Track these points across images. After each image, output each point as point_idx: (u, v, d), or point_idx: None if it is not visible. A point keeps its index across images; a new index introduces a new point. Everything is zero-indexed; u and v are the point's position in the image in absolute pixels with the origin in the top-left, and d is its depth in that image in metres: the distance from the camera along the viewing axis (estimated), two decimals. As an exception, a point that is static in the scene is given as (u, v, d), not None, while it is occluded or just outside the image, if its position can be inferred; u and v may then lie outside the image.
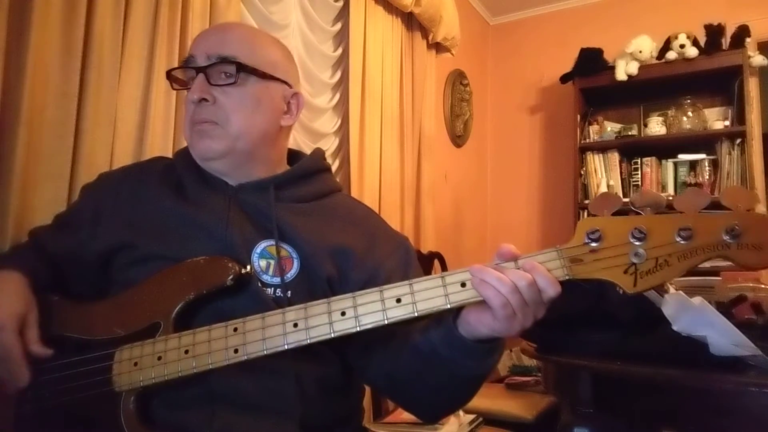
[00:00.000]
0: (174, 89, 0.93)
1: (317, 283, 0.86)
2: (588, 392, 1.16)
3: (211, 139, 0.88)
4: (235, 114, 0.88)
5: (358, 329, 0.72)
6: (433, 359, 0.77)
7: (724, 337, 1.01)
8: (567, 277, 0.69)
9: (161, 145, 1.52)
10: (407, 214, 2.72)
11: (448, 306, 0.71)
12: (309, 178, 0.97)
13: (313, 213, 0.92)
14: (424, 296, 0.71)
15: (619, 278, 0.67)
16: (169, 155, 1.50)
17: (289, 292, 0.84)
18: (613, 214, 0.70)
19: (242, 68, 0.88)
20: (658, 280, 0.66)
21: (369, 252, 0.90)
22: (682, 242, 0.66)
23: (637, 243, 0.67)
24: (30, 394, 0.82)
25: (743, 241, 0.64)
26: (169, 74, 0.93)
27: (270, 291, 0.84)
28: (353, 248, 0.89)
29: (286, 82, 0.95)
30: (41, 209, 1.23)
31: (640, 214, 0.69)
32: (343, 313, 0.72)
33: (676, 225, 0.66)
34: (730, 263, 0.66)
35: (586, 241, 0.69)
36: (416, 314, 0.71)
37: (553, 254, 0.70)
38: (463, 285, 0.70)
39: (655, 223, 0.67)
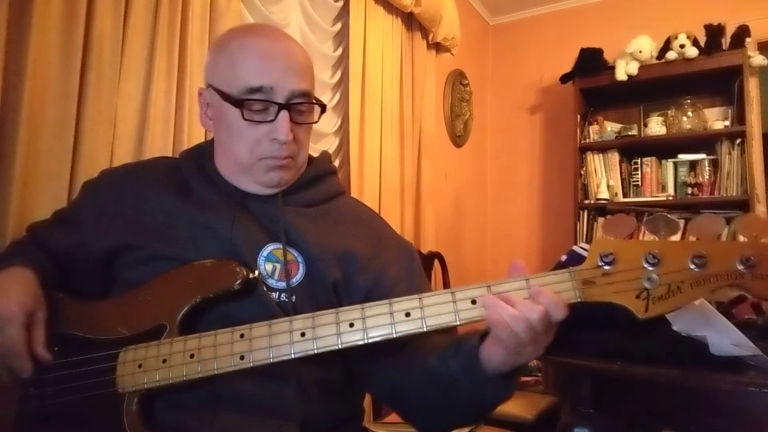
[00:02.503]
0: (245, 119, 0.85)
1: (322, 288, 0.85)
2: (588, 392, 1.16)
3: (285, 172, 0.90)
4: (304, 147, 0.93)
5: (366, 341, 0.71)
6: (452, 388, 0.77)
7: (724, 337, 1.01)
8: (579, 300, 0.68)
9: (161, 145, 1.52)
10: (407, 214, 2.72)
11: (458, 323, 0.70)
12: (316, 182, 0.97)
13: (319, 217, 0.92)
14: (434, 311, 0.71)
15: (631, 303, 0.67)
16: (169, 155, 1.50)
17: (294, 296, 0.84)
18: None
19: (323, 108, 0.91)
20: (671, 306, 0.66)
21: (374, 257, 0.90)
22: (696, 269, 0.65)
23: (650, 268, 0.66)
24: (32, 393, 0.82)
25: (758, 271, 0.63)
26: (242, 102, 0.85)
27: (275, 295, 0.84)
28: (358, 253, 0.89)
29: None
30: (41, 209, 1.23)
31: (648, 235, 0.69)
32: (351, 325, 0.72)
33: (690, 251, 0.65)
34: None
35: (600, 263, 0.68)
36: (425, 329, 0.71)
37: (565, 275, 0.69)
38: (473, 302, 0.70)
39: (669, 248, 0.66)
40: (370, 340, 0.71)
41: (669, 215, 0.69)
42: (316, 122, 0.93)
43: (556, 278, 0.69)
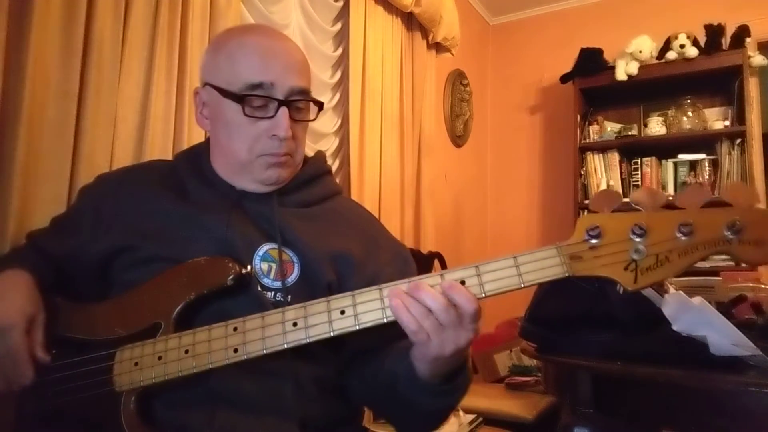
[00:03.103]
0: (246, 115, 0.86)
1: (317, 289, 0.85)
2: (588, 392, 1.16)
3: (283, 170, 0.90)
4: (302, 146, 0.93)
5: (357, 328, 0.72)
6: (396, 392, 0.79)
7: (724, 337, 1.01)
8: (567, 275, 0.68)
9: (161, 145, 1.52)
10: (407, 214, 2.72)
11: None
12: (312, 183, 0.97)
13: (315, 218, 0.93)
14: None
15: (620, 275, 0.67)
16: (169, 155, 1.50)
17: (290, 296, 0.84)
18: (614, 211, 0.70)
19: (321, 106, 0.92)
20: (659, 276, 0.66)
21: (368, 258, 0.91)
22: (683, 238, 0.65)
23: (637, 239, 0.66)
24: (31, 394, 0.82)
25: (744, 237, 0.63)
26: (243, 98, 0.86)
27: (270, 295, 0.84)
28: (353, 254, 0.89)
29: None
30: (42, 209, 1.23)
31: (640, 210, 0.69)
32: (342, 312, 0.72)
33: (676, 221, 0.65)
34: (731, 261, 0.65)
35: (586, 237, 0.68)
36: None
37: (552, 251, 0.69)
38: (462, 282, 0.70)
39: (656, 219, 0.66)
40: (361, 326, 0.71)
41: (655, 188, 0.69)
42: (314, 120, 0.94)
43: (544, 254, 0.69)
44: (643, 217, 0.67)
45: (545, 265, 0.69)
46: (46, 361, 0.81)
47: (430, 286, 0.68)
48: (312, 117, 0.93)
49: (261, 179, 0.90)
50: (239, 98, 0.85)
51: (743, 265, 1.86)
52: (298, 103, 0.89)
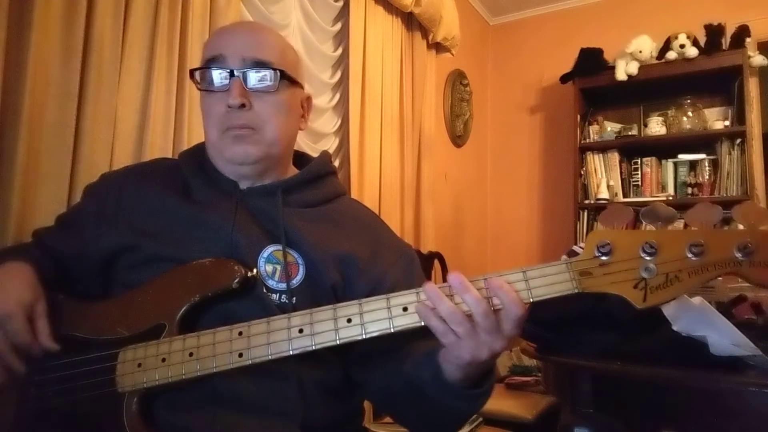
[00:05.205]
0: (199, 89, 0.89)
1: (322, 291, 0.85)
2: (588, 392, 1.16)
3: (248, 145, 0.88)
4: (271, 121, 0.89)
5: (364, 336, 0.71)
6: (422, 395, 0.77)
7: (724, 337, 1.01)
8: (576, 290, 0.68)
9: (161, 145, 1.52)
10: (407, 214, 2.72)
11: None
12: (316, 182, 0.97)
13: (320, 218, 0.92)
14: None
15: (629, 293, 0.67)
16: (169, 155, 1.50)
17: (294, 298, 0.84)
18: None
19: (282, 75, 0.89)
20: (669, 295, 0.66)
21: (374, 260, 0.90)
22: (694, 258, 0.65)
23: (647, 258, 0.66)
24: (32, 393, 0.82)
25: (756, 258, 0.63)
26: (193, 73, 0.90)
27: (275, 296, 0.84)
28: (358, 255, 0.89)
29: (302, 86, 0.97)
30: (42, 209, 1.23)
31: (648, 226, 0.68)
32: (348, 320, 0.72)
33: (687, 240, 0.65)
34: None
35: (596, 254, 0.68)
36: (422, 323, 0.70)
37: (562, 267, 0.69)
38: None
39: (667, 237, 0.66)
40: (368, 335, 0.71)
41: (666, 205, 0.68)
42: (275, 91, 0.89)
43: (553, 270, 0.69)
44: (654, 235, 0.67)
45: (555, 281, 0.69)
46: (54, 349, 0.80)
47: (477, 289, 0.67)
48: (274, 88, 0.88)
49: (228, 157, 0.89)
50: (191, 74, 0.90)
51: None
52: (254, 73, 0.87)
